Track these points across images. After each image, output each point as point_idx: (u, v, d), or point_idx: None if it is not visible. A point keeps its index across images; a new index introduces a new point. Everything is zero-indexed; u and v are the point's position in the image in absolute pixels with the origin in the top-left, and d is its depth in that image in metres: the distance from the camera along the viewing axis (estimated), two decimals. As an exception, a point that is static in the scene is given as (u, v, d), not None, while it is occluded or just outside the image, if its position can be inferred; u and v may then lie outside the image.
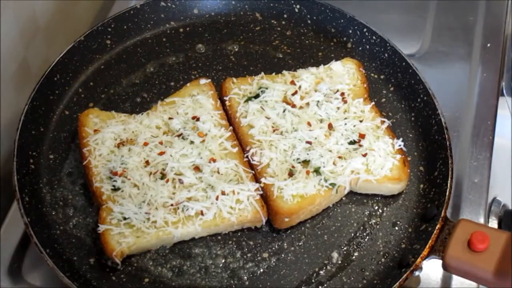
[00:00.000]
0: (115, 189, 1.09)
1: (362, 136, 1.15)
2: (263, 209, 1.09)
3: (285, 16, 1.36)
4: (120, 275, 1.07)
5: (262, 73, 1.24)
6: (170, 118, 1.17)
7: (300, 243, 1.11)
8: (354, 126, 1.16)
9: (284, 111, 1.17)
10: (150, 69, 1.29)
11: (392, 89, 1.27)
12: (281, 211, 1.08)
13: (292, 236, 1.11)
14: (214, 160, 1.12)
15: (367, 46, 1.31)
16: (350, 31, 1.32)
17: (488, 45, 1.43)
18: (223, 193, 1.08)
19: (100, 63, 1.30)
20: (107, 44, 1.30)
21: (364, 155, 1.12)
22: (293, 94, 1.19)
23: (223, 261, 1.08)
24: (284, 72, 1.24)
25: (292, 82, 1.21)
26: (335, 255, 1.09)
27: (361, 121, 1.17)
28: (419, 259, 1.04)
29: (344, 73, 1.23)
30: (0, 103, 1.25)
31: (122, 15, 1.31)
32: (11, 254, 1.15)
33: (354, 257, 1.09)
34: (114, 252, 1.03)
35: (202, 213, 1.07)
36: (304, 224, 1.12)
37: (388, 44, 1.28)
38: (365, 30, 1.30)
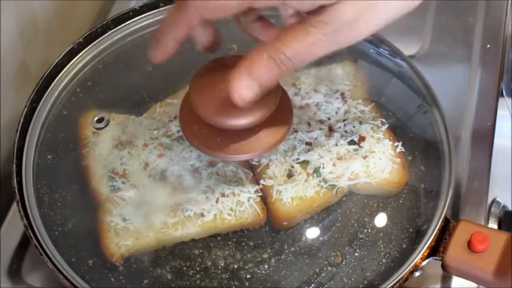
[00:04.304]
0: (114, 190, 1.09)
1: (362, 138, 1.15)
2: (263, 211, 1.09)
3: (285, 16, 1.36)
4: (119, 276, 1.07)
5: (262, 74, 1.23)
6: (169, 121, 1.16)
7: (300, 244, 1.10)
8: (354, 127, 1.16)
9: (284, 111, 1.18)
10: (149, 69, 1.29)
11: (392, 89, 1.27)
12: (279, 215, 1.08)
13: (293, 236, 1.11)
14: (214, 162, 1.12)
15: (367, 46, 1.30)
16: (350, 32, 1.32)
17: (488, 46, 1.43)
18: (223, 195, 1.08)
19: (99, 63, 1.29)
20: (107, 45, 1.30)
21: (364, 158, 1.12)
22: (293, 95, 1.19)
23: (223, 262, 1.08)
24: (284, 73, 1.24)
25: (293, 84, 1.21)
26: (335, 255, 1.10)
27: (361, 122, 1.17)
28: (419, 260, 1.04)
29: (344, 75, 1.23)
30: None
31: (122, 16, 1.30)
32: (10, 255, 1.16)
33: (354, 257, 1.09)
34: (113, 258, 1.04)
35: (202, 215, 1.07)
36: (304, 224, 1.12)
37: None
38: (365, 30, 1.30)
